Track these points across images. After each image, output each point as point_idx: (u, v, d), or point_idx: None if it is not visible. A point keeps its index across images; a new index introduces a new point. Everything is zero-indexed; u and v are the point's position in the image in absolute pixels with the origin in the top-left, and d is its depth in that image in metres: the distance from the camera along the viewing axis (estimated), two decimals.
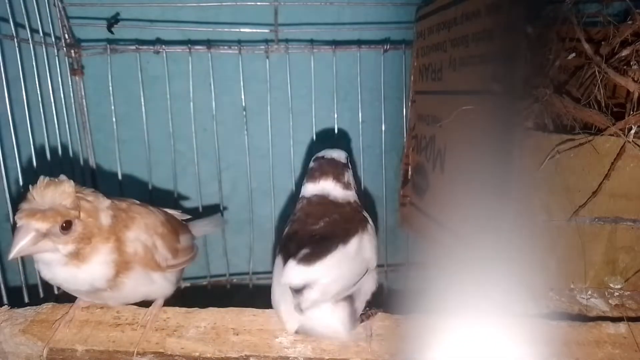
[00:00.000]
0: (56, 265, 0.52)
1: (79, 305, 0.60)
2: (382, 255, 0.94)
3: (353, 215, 0.62)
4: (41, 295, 0.73)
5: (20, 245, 0.49)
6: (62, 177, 0.53)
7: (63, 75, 0.83)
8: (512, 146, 0.46)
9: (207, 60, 0.87)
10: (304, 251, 0.54)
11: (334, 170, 0.65)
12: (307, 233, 0.58)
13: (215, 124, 0.90)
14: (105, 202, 0.56)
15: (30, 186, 0.51)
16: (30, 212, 0.49)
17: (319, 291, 0.51)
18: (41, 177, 0.52)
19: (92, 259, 0.53)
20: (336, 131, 0.93)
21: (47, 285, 0.75)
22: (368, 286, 0.59)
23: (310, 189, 0.64)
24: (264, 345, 0.54)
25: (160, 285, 0.60)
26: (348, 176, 0.65)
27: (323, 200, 0.63)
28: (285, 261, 0.54)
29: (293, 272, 0.52)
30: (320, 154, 0.67)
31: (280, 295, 0.55)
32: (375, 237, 0.62)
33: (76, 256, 0.52)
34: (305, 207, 0.63)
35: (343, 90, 0.93)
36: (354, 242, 0.57)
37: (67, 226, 0.51)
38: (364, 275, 0.57)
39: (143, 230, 0.58)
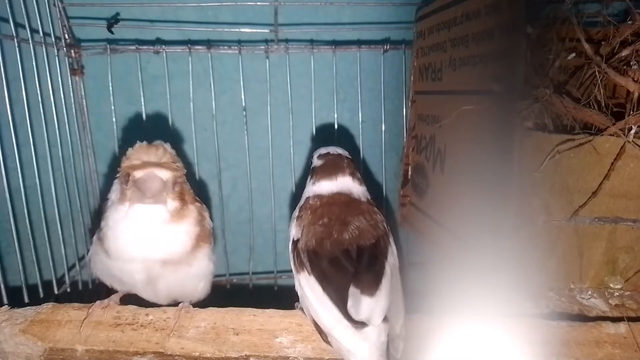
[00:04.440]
0: (157, 222, 0.55)
1: (101, 304, 0.59)
2: None
3: (373, 216, 0.58)
4: (41, 295, 0.73)
5: (153, 190, 0.52)
6: (159, 141, 0.57)
7: (63, 75, 0.83)
8: (512, 146, 0.46)
9: (207, 60, 0.87)
10: (361, 279, 0.49)
11: (348, 165, 0.61)
12: (339, 244, 0.53)
13: (215, 124, 0.90)
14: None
15: (130, 148, 0.55)
16: (150, 163, 0.52)
17: (380, 316, 0.48)
18: (138, 142, 0.56)
19: (185, 219, 0.56)
20: (336, 131, 0.93)
21: (47, 285, 0.75)
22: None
23: (327, 186, 0.60)
24: (264, 345, 0.54)
25: (206, 279, 0.62)
26: (359, 172, 0.62)
27: (345, 199, 0.58)
28: (327, 285, 0.50)
29: (364, 307, 0.47)
30: (323, 150, 0.64)
31: (335, 322, 0.49)
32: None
33: (176, 214, 0.55)
34: (325, 207, 0.58)
35: (343, 90, 0.93)
36: (391, 254, 0.54)
37: (176, 181, 0.54)
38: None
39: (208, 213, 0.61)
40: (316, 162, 0.63)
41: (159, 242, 0.56)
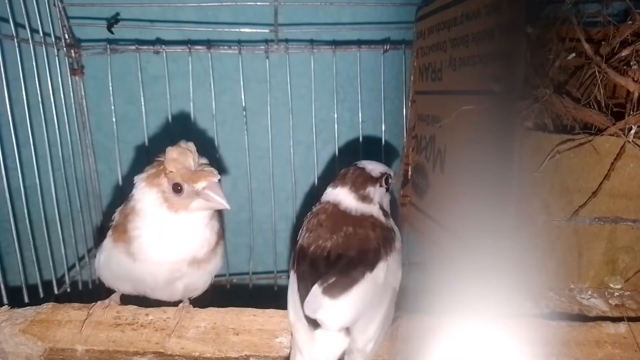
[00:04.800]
0: (200, 226, 0.58)
1: (102, 304, 0.59)
2: None
3: (370, 231, 0.57)
4: (41, 295, 0.73)
5: (218, 200, 0.55)
6: (185, 142, 0.58)
7: (63, 75, 0.83)
8: (512, 146, 0.46)
9: (207, 60, 0.87)
10: (328, 280, 0.50)
11: (356, 179, 0.61)
12: (322, 249, 0.55)
13: (215, 124, 0.90)
14: None
15: (170, 153, 0.56)
16: (210, 172, 0.56)
17: (338, 323, 0.48)
18: (181, 142, 0.57)
19: (213, 217, 0.59)
20: (336, 131, 0.93)
21: (47, 285, 0.75)
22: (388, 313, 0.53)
23: (328, 194, 0.62)
24: (264, 345, 0.54)
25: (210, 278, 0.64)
26: (371, 191, 0.61)
27: (334, 210, 0.60)
28: (301, 284, 0.52)
29: (321, 307, 0.48)
30: (359, 162, 0.65)
31: (296, 318, 0.51)
32: (400, 253, 0.58)
33: (210, 215, 0.59)
34: (319, 214, 0.60)
35: (343, 90, 0.93)
36: (381, 270, 0.53)
37: None
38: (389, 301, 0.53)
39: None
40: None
41: (192, 243, 0.58)
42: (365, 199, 0.61)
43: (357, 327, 0.48)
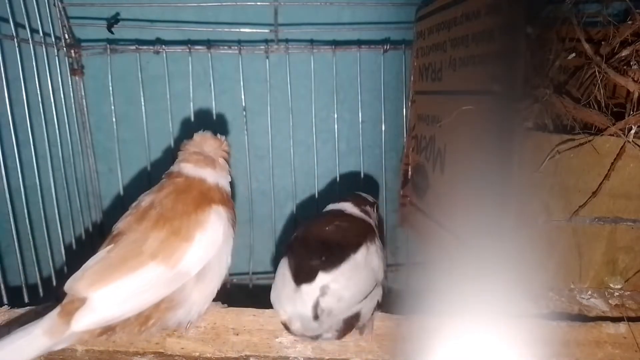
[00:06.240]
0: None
1: None
2: None
3: (364, 227, 0.62)
4: (41, 295, 0.73)
5: None
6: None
7: (63, 75, 0.83)
8: (512, 146, 0.46)
9: (207, 60, 0.87)
10: (319, 258, 0.53)
11: (357, 198, 0.69)
12: (316, 236, 0.58)
13: (215, 124, 0.90)
14: None
15: (198, 136, 0.62)
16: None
17: (335, 298, 0.51)
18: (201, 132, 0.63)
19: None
20: (336, 131, 0.93)
21: (47, 285, 0.75)
22: (372, 304, 0.57)
23: (329, 207, 0.69)
24: (264, 345, 0.54)
25: None
26: (370, 209, 0.68)
27: (337, 212, 0.66)
28: (295, 264, 0.54)
29: (311, 278, 0.51)
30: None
31: (286, 297, 0.54)
32: (383, 251, 0.62)
33: None
34: (319, 215, 0.66)
35: (343, 90, 0.93)
36: (362, 251, 0.56)
37: None
38: (374, 288, 0.56)
39: None
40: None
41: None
42: (364, 212, 0.67)
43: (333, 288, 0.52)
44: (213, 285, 0.57)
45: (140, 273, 0.49)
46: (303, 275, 0.52)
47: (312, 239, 0.58)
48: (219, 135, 0.63)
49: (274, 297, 0.56)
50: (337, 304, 0.51)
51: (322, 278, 0.51)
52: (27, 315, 0.58)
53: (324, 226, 0.60)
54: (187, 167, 0.59)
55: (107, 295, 0.48)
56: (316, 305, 0.50)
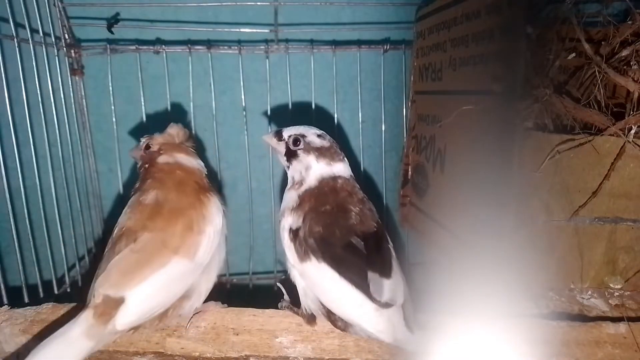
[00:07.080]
0: None
1: None
2: None
3: (367, 204, 0.59)
4: (41, 295, 0.73)
5: None
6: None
7: (63, 75, 0.83)
8: (512, 146, 0.46)
9: (207, 60, 0.87)
10: (378, 264, 0.51)
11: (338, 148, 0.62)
12: (348, 231, 0.54)
13: (215, 124, 0.90)
14: None
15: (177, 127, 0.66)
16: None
17: (402, 296, 0.51)
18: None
19: None
20: (336, 131, 0.93)
21: (47, 285, 0.75)
22: None
23: (337, 169, 0.59)
24: (264, 345, 0.54)
25: None
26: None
27: (343, 184, 0.58)
28: (341, 270, 0.51)
29: (386, 289, 0.50)
30: (313, 130, 0.62)
31: (354, 303, 0.51)
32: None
33: None
34: (324, 194, 0.57)
35: (343, 90, 0.93)
36: (388, 239, 0.57)
37: None
38: None
39: None
40: (322, 141, 0.61)
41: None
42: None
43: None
44: (215, 273, 0.59)
45: (168, 268, 0.52)
46: (383, 296, 0.50)
47: (353, 240, 0.54)
48: (180, 125, 0.67)
49: (319, 305, 0.54)
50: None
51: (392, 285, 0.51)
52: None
53: (347, 217, 0.56)
54: (165, 157, 0.63)
55: (143, 292, 0.50)
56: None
